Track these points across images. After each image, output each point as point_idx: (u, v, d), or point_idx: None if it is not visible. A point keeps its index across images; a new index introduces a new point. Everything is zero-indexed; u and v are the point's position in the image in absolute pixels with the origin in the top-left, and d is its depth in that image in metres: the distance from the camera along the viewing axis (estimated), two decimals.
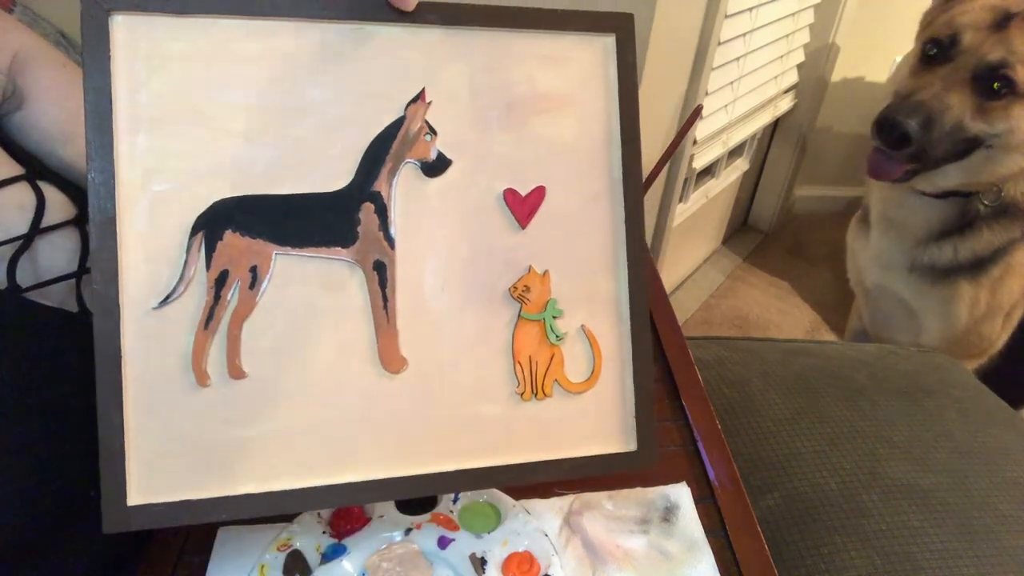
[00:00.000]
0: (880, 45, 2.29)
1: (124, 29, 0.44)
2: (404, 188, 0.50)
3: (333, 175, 0.49)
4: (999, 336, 1.37)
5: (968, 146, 1.16)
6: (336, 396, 0.49)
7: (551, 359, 0.54)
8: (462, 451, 0.52)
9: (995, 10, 1.13)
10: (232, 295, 0.47)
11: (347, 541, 0.55)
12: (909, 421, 0.95)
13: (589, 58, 0.54)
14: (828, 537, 0.78)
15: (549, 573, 0.54)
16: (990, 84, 1.11)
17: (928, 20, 1.25)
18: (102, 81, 0.44)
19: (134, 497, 0.45)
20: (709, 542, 0.57)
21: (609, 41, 0.54)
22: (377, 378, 0.50)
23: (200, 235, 0.46)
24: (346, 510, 0.57)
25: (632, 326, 0.55)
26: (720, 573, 0.56)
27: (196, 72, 0.46)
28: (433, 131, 0.50)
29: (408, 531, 0.56)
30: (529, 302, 0.53)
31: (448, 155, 0.51)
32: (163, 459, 0.46)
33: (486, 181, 0.52)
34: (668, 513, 0.59)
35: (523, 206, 0.53)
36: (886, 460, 0.88)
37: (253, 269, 0.47)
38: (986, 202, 1.24)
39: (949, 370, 1.10)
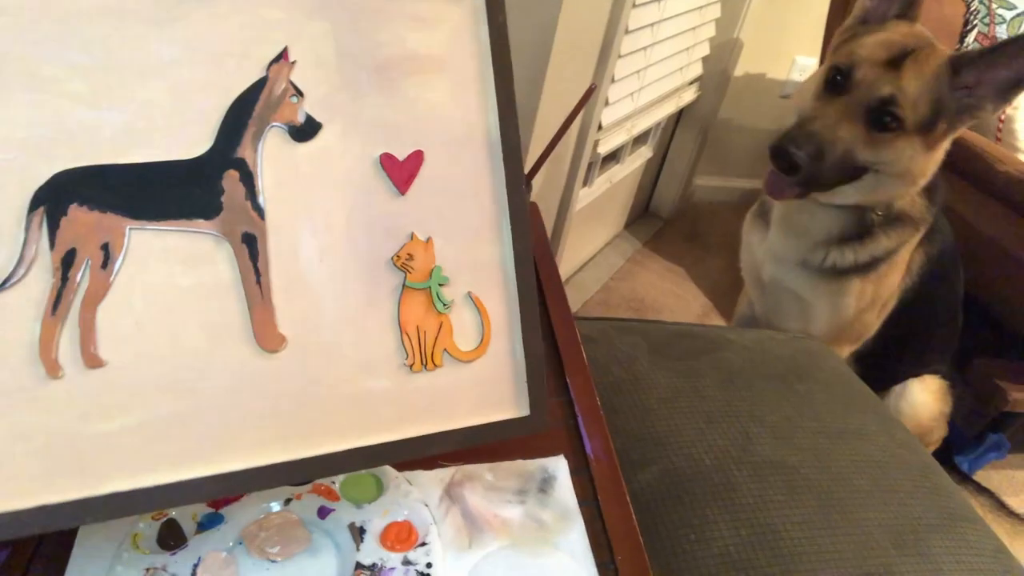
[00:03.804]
0: (781, 44, 2.39)
1: None
2: (272, 154, 0.47)
3: (190, 141, 0.44)
4: (875, 323, 1.48)
5: (857, 171, 1.22)
6: (208, 380, 0.45)
7: (439, 328, 0.52)
8: (352, 429, 0.49)
9: (892, 46, 1.17)
10: (82, 276, 0.42)
11: (225, 510, 0.55)
12: (780, 403, 1.01)
13: (459, 18, 0.52)
14: (700, 510, 0.83)
15: (426, 541, 0.55)
16: (881, 117, 1.16)
17: (840, 40, 1.28)
18: None
19: None
20: (581, 511, 0.60)
21: (478, 1, 0.52)
22: (253, 358, 0.46)
23: (41, 210, 0.41)
24: None
25: (519, 290, 0.54)
26: (589, 539, 0.58)
27: (26, 29, 0.40)
28: (299, 92, 0.47)
29: (288, 501, 0.56)
30: (413, 270, 0.51)
31: (318, 118, 0.48)
32: (11, 461, 0.41)
33: (360, 146, 0.49)
34: (545, 484, 0.62)
35: (401, 171, 0.50)
36: (757, 439, 0.93)
37: (105, 246, 0.43)
38: (879, 212, 1.31)
39: (820, 356, 1.18)
